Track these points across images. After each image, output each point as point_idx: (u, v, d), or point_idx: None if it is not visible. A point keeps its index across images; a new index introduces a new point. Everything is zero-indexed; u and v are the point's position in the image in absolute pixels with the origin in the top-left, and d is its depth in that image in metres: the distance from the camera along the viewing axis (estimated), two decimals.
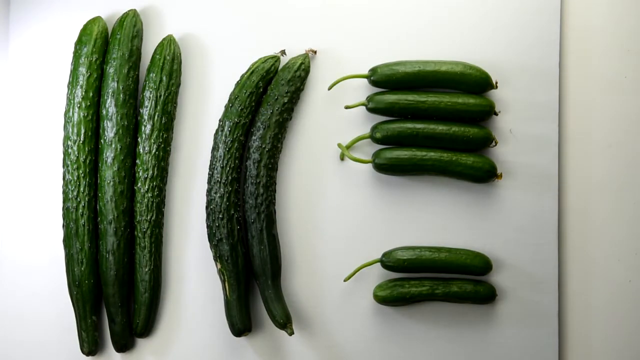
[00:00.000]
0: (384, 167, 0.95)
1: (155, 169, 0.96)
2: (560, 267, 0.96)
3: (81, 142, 0.95)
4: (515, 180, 0.96)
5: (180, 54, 0.99)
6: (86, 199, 0.95)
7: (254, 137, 0.95)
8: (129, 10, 0.98)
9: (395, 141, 0.95)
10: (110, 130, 0.95)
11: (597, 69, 0.98)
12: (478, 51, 0.97)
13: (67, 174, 0.96)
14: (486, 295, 0.94)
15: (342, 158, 0.98)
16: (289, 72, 0.96)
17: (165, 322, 0.99)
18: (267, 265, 0.93)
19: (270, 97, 0.96)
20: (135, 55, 0.97)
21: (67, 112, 0.97)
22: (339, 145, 0.97)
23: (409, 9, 0.99)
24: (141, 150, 0.96)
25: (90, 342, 0.96)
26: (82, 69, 0.96)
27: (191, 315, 0.98)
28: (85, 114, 0.96)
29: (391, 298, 0.94)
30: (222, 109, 0.97)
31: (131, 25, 0.97)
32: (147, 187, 0.95)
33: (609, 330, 0.96)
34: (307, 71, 0.98)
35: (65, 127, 0.96)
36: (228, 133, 0.95)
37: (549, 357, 0.95)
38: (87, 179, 0.95)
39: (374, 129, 0.95)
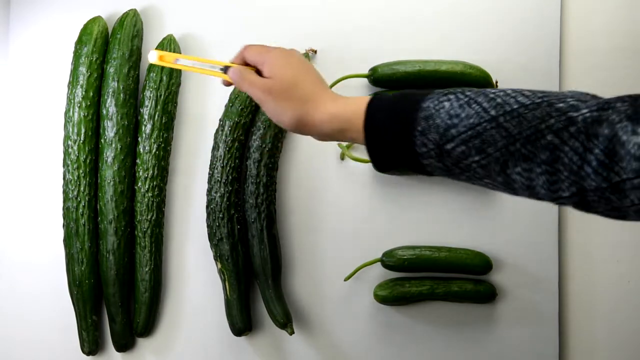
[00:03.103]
0: None
1: (156, 168, 0.96)
2: (560, 267, 0.96)
3: (81, 141, 0.95)
4: None
5: (180, 53, 0.99)
6: (86, 198, 0.95)
7: (254, 137, 0.95)
8: (129, 10, 0.98)
9: None
10: (110, 129, 0.95)
11: (597, 68, 0.98)
12: (478, 51, 0.97)
13: (67, 173, 0.96)
14: (486, 295, 0.94)
15: (342, 157, 0.98)
16: None
17: (165, 322, 0.99)
18: (267, 265, 0.93)
19: None
20: (135, 54, 0.97)
21: (67, 111, 0.97)
22: (339, 144, 0.97)
23: (409, 8, 0.99)
24: (141, 150, 0.96)
25: (90, 341, 0.96)
26: (83, 69, 0.96)
27: (191, 314, 0.98)
28: (86, 114, 0.96)
29: (391, 297, 0.94)
30: (223, 109, 0.97)
31: (131, 24, 0.97)
32: (147, 186, 0.95)
33: (609, 330, 0.96)
34: None
35: (65, 126, 0.96)
36: (228, 132, 0.95)
37: (549, 357, 0.95)
38: (88, 179, 0.95)
39: None
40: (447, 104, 0.62)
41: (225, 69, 0.77)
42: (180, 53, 0.99)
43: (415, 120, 0.63)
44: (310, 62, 0.98)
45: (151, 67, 0.97)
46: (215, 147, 0.96)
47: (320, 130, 0.70)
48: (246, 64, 0.76)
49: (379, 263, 0.96)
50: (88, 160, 0.95)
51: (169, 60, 0.80)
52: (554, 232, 0.96)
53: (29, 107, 1.03)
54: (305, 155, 0.99)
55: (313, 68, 0.75)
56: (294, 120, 0.70)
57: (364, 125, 0.66)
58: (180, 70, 0.99)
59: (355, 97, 0.70)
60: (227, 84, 0.77)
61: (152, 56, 0.80)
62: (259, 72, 0.75)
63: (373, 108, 0.67)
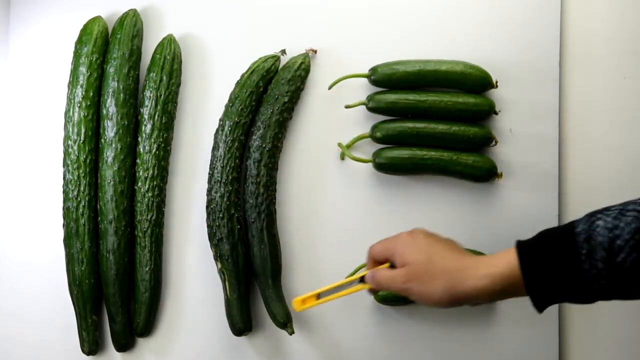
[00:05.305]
0: (384, 166, 0.95)
1: (156, 168, 0.96)
2: None
3: (81, 141, 0.95)
4: (515, 179, 0.96)
5: (180, 53, 0.99)
6: (86, 198, 0.95)
7: (254, 137, 0.95)
8: (129, 10, 0.99)
9: (396, 140, 0.95)
10: (110, 129, 0.95)
11: (597, 69, 0.98)
12: (478, 50, 0.97)
13: (67, 173, 0.96)
14: None
15: (342, 157, 0.98)
16: (289, 71, 0.96)
17: (165, 322, 0.99)
18: (267, 265, 0.93)
19: (270, 96, 0.96)
20: (135, 54, 0.97)
21: (67, 111, 0.97)
22: (339, 144, 0.97)
23: (409, 8, 0.99)
24: (141, 150, 0.96)
25: (90, 341, 0.96)
26: (83, 69, 0.96)
27: (191, 314, 0.98)
28: (86, 114, 0.96)
29: (392, 297, 0.94)
30: (223, 109, 0.97)
31: (131, 24, 0.97)
32: (147, 186, 0.95)
33: (609, 330, 0.96)
34: (307, 70, 0.98)
35: (65, 126, 0.96)
36: (228, 132, 0.95)
37: (549, 357, 0.95)
38: (88, 179, 0.95)
39: (374, 128, 0.95)
40: (600, 222, 0.62)
41: (362, 279, 0.78)
42: (180, 53, 0.99)
43: (578, 245, 0.62)
44: (310, 61, 0.98)
45: (151, 67, 0.97)
46: (215, 147, 0.96)
47: (480, 296, 0.68)
48: (378, 264, 0.77)
49: None
50: (88, 160, 0.95)
51: (311, 300, 0.83)
52: None
53: (29, 107, 1.03)
54: (305, 155, 0.99)
55: (442, 239, 0.75)
56: (446, 294, 0.69)
57: (522, 269, 0.65)
58: (180, 70, 0.99)
59: (493, 254, 0.69)
60: (373, 291, 0.78)
61: (297, 305, 0.83)
62: (393, 266, 0.75)
63: (525, 252, 0.66)
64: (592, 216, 0.64)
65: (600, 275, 0.62)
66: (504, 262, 0.67)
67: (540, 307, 0.67)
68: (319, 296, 0.83)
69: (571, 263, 0.63)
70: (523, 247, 0.67)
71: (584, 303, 0.65)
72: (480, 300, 0.69)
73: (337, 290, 0.81)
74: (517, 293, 0.67)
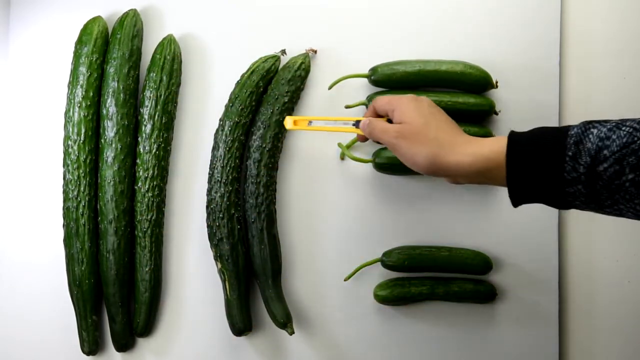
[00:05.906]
0: (384, 166, 0.95)
1: (156, 168, 0.96)
2: (560, 267, 0.96)
3: (81, 141, 0.95)
4: None
5: (180, 53, 0.99)
6: (86, 198, 0.95)
7: (254, 137, 0.95)
8: (129, 10, 0.99)
9: None
10: (110, 129, 0.95)
11: (597, 69, 0.98)
12: (478, 51, 0.97)
13: (67, 173, 0.96)
14: (486, 295, 0.94)
15: (342, 158, 0.98)
16: (289, 71, 0.96)
17: (165, 322, 0.99)
18: (267, 265, 0.93)
19: (270, 96, 0.96)
20: (135, 54, 0.97)
21: (67, 111, 0.97)
22: (339, 144, 0.97)
23: (409, 8, 0.99)
24: (141, 150, 0.96)
25: (90, 341, 0.96)
26: (83, 69, 0.96)
27: (191, 314, 0.98)
28: (86, 114, 0.96)
29: (391, 297, 0.94)
30: (223, 109, 0.97)
31: (131, 24, 0.97)
32: (147, 186, 0.95)
33: (609, 330, 0.96)
34: (307, 71, 0.98)
35: (65, 126, 0.96)
36: (228, 132, 0.95)
37: (549, 357, 0.95)
38: (88, 179, 0.95)
39: None
40: (595, 130, 0.63)
41: (357, 124, 0.79)
42: (180, 53, 0.99)
43: (566, 146, 0.63)
44: (310, 61, 0.98)
45: (151, 67, 0.97)
46: (215, 147, 0.96)
47: (460, 171, 0.69)
48: (377, 117, 0.78)
49: (379, 263, 0.96)
50: (88, 160, 0.95)
51: (303, 124, 0.85)
52: (554, 232, 0.96)
53: (29, 107, 1.03)
54: (305, 155, 0.99)
55: (444, 113, 0.75)
56: (428, 161, 0.70)
57: (507, 156, 0.66)
58: (180, 70, 0.99)
59: (489, 138, 0.70)
60: (362, 139, 0.78)
61: (288, 123, 0.85)
62: (390, 122, 0.76)
63: (515, 142, 0.66)
64: (589, 124, 0.64)
65: (579, 180, 0.62)
66: (493, 145, 0.68)
67: (515, 200, 0.67)
68: (310, 123, 0.85)
69: (554, 161, 0.63)
70: (514, 137, 0.67)
71: (558, 207, 0.66)
72: (459, 176, 0.70)
73: (331, 124, 0.84)
74: (496, 180, 0.68)
